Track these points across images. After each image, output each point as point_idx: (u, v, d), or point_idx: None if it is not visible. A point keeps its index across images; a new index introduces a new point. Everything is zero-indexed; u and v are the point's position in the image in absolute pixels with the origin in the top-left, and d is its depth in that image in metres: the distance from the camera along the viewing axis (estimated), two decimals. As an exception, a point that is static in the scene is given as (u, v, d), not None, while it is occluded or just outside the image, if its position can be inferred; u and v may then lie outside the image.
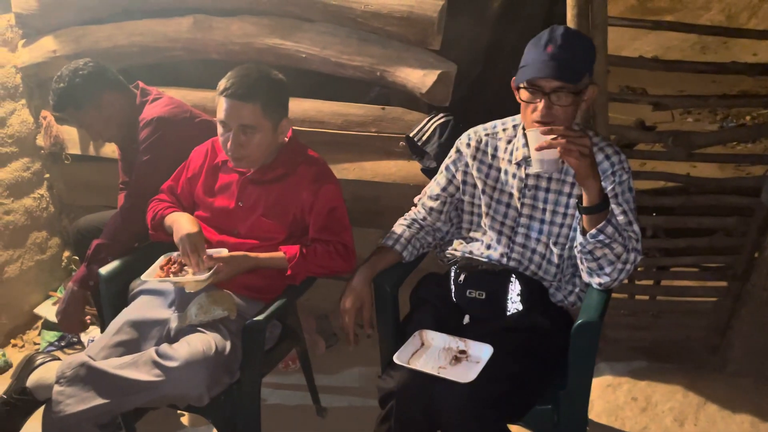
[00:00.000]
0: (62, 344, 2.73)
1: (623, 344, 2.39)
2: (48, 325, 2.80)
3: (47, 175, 2.88)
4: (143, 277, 1.73)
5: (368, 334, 1.80)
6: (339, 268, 1.83)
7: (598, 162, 1.57)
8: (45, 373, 1.60)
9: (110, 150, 2.69)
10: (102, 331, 2.37)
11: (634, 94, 2.07)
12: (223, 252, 1.74)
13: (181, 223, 1.78)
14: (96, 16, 2.52)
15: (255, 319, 1.70)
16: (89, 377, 1.53)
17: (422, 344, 1.61)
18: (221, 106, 1.74)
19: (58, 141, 2.74)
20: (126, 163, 2.27)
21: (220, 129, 1.78)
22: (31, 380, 1.60)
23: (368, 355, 2.48)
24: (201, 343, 1.59)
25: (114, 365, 1.55)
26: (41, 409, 1.63)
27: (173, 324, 1.72)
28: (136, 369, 1.54)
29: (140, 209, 1.97)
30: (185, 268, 1.74)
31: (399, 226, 1.85)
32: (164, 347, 1.59)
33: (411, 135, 2.17)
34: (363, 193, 2.31)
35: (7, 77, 2.64)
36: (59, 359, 1.68)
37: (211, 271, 1.66)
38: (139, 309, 1.78)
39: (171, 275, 1.71)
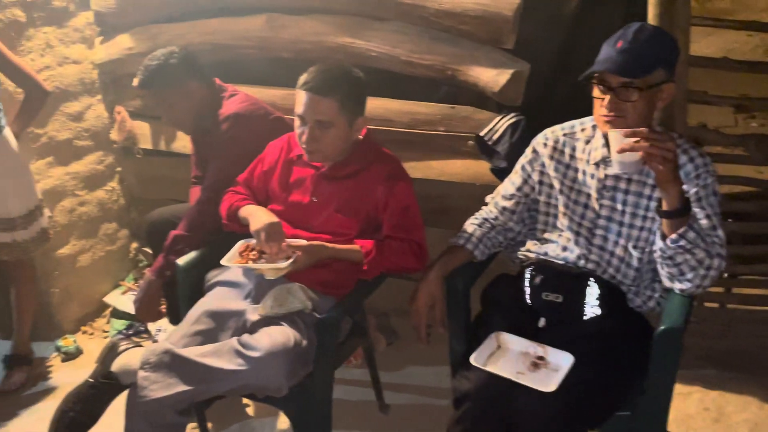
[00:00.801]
0: (130, 332, 2.81)
1: (692, 352, 2.33)
2: (116, 314, 2.90)
3: (119, 169, 2.98)
4: (223, 261, 1.77)
5: (440, 333, 1.80)
6: (411, 266, 1.84)
7: (681, 164, 1.53)
8: (129, 358, 1.65)
9: (180, 145, 2.77)
10: (170, 321, 2.46)
11: (712, 96, 2.00)
12: (301, 241, 1.77)
13: (259, 215, 1.82)
14: (171, 14, 2.59)
15: (330, 313, 1.72)
16: (173, 364, 1.58)
17: (498, 347, 1.59)
18: (300, 99, 1.77)
19: (130, 136, 2.83)
20: (199, 157, 2.33)
21: (297, 122, 1.81)
22: (116, 365, 1.66)
23: (428, 353, 2.47)
24: (281, 334, 1.62)
25: (197, 353, 1.60)
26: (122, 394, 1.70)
27: (249, 315, 1.76)
28: (219, 358, 1.58)
29: (216, 202, 2.02)
30: (263, 255, 1.76)
31: (470, 225, 1.84)
32: (246, 337, 1.62)
33: (481, 134, 2.16)
34: (429, 191, 2.31)
35: (85, 73, 2.73)
36: (141, 346, 1.74)
37: (290, 260, 1.69)
38: (216, 300, 1.83)
39: (250, 262, 1.75)
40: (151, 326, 2.75)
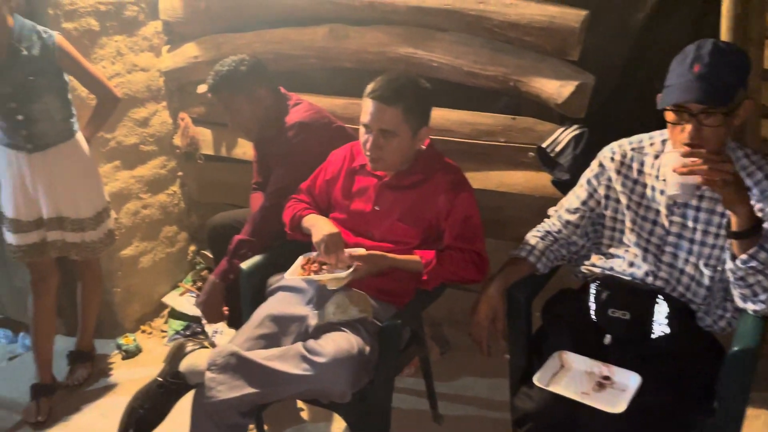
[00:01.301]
0: (187, 333, 2.89)
1: (760, 374, 2.25)
2: (174, 314, 2.98)
3: (180, 173, 3.06)
4: (287, 275, 1.80)
5: (501, 346, 1.79)
6: (472, 277, 1.84)
7: (757, 181, 1.49)
8: (196, 359, 1.69)
9: (240, 152, 2.83)
10: (228, 324, 2.51)
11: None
12: (361, 250, 1.79)
13: (320, 225, 1.85)
14: (236, 24, 2.65)
15: (393, 321, 1.73)
16: (239, 366, 1.61)
17: (562, 366, 1.57)
18: (366, 108, 1.80)
19: (193, 141, 2.91)
20: (261, 164, 2.38)
21: (362, 130, 1.84)
22: (184, 365, 1.70)
23: (481, 364, 2.48)
24: (345, 341, 1.64)
25: (263, 356, 1.63)
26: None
27: (311, 321, 1.78)
28: (285, 362, 1.60)
29: (279, 208, 2.06)
30: (323, 267, 1.80)
31: (533, 238, 1.83)
32: (311, 343, 1.64)
33: (543, 146, 2.15)
34: (487, 202, 2.29)
35: (152, 80, 2.82)
36: (207, 347, 1.78)
37: (351, 269, 1.71)
38: (279, 304, 1.86)
39: (312, 274, 1.78)
40: (208, 328, 2.81)
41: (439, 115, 2.36)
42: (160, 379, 1.70)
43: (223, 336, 2.75)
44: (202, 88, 2.81)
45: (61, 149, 2.26)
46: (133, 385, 2.58)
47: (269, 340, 1.77)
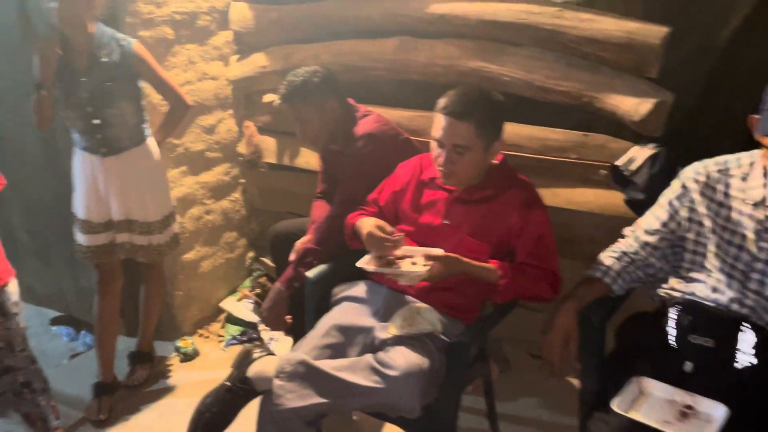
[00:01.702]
0: (244, 339, 2.92)
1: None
2: (231, 319, 3.01)
3: (243, 180, 3.11)
4: (358, 264, 1.78)
5: (573, 368, 1.74)
6: (545, 295, 1.79)
7: None
8: (264, 366, 1.70)
9: (303, 161, 2.86)
10: (287, 332, 2.51)
11: None
12: (438, 251, 1.75)
13: (364, 223, 1.87)
14: (305, 35, 2.68)
15: (463, 338, 1.70)
16: (308, 375, 1.60)
17: (641, 392, 1.51)
18: (438, 123, 1.79)
19: (257, 149, 2.95)
20: (327, 174, 2.40)
21: (433, 144, 1.82)
22: (252, 371, 1.70)
23: (542, 384, 2.41)
24: (416, 356, 1.62)
25: (332, 366, 1.62)
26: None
27: (378, 333, 1.77)
28: (355, 373, 1.59)
29: (345, 218, 2.06)
30: (399, 261, 1.76)
31: (608, 258, 1.77)
32: (382, 355, 1.63)
33: (617, 164, 2.09)
34: (555, 220, 2.22)
35: (220, 89, 2.88)
36: (273, 354, 1.78)
37: (426, 268, 1.68)
38: (345, 314, 1.85)
39: (386, 266, 1.75)
40: (264, 335, 2.83)
41: (508, 129, 2.28)
42: (228, 383, 1.71)
43: (279, 344, 2.77)
44: (268, 98, 2.85)
45: (133, 153, 2.32)
46: (190, 388, 2.62)
47: (335, 350, 1.76)
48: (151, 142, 2.39)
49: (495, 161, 1.89)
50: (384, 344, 1.73)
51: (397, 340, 1.70)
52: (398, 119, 2.48)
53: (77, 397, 2.59)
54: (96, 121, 2.22)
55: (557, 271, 1.81)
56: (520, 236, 1.80)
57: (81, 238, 2.39)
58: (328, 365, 1.62)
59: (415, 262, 1.74)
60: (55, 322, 3.27)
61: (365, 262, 1.79)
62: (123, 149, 2.30)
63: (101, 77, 2.17)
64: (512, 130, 2.31)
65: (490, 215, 1.83)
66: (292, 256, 2.17)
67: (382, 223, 1.84)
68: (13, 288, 2.09)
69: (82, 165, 2.33)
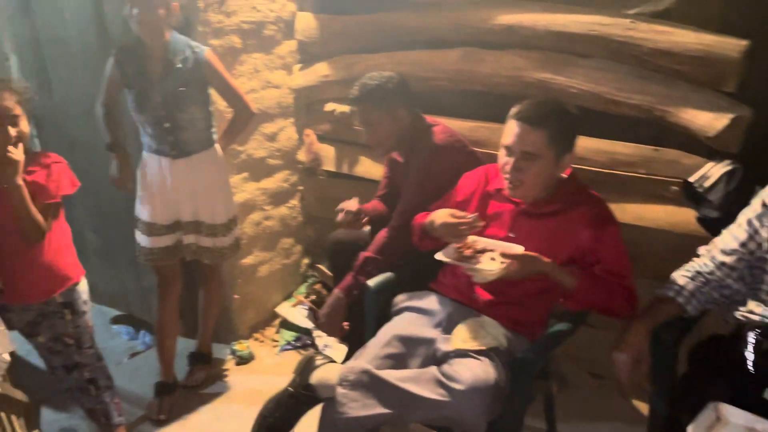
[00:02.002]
0: (298, 345, 2.94)
1: None
2: (286, 325, 3.03)
3: (301, 188, 3.14)
4: (438, 254, 1.77)
5: (644, 389, 1.68)
6: (620, 310, 1.75)
7: None
8: (326, 373, 1.70)
9: (362, 170, 2.87)
10: (342, 340, 2.52)
11: None
12: (518, 248, 1.72)
13: (437, 215, 1.86)
14: (369, 45, 2.70)
15: (528, 354, 1.67)
16: (371, 385, 1.60)
17: (718, 419, 1.44)
18: (510, 129, 1.77)
19: (316, 157, 2.98)
20: (390, 181, 2.41)
21: (502, 152, 1.80)
22: (315, 378, 1.71)
23: (601, 404, 2.36)
24: (482, 370, 1.59)
25: (396, 377, 1.61)
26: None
27: (441, 345, 1.75)
28: (419, 385, 1.58)
29: (408, 229, 2.05)
30: (479, 256, 1.74)
31: (681, 278, 1.71)
32: (447, 368, 1.61)
33: (691, 180, 2.03)
34: (623, 236, 2.20)
35: (282, 97, 2.92)
36: (335, 362, 1.79)
37: (503, 266, 1.66)
38: (407, 325, 1.84)
39: (464, 259, 1.73)
40: (319, 341, 2.84)
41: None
42: (291, 389, 1.72)
43: (334, 351, 2.77)
44: (329, 107, 2.88)
45: (201, 157, 2.37)
46: (245, 392, 2.65)
47: (396, 361, 1.75)
48: (218, 148, 2.44)
49: (564, 175, 1.86)
50: (447, 357, 1.71)
51: (462, 353, 1.68)
52: (460, 129, 2.45)
53: (136, 395, 2.65)
54: (167, 125, 2.28)
55: (633, 289, 1.76)
56: (594, 253, 1.76)
57: (144, 240, 2.45)
58: (391, 376, 1.62)
59: (493, 258, 1.71)
60: (115, 321, 3.36)
61: (444, 254, 1.77)
62: (192, 152, 2.35)
63: (174, 83, 2.23)
64: (579, 142, 2.26)
65: (559, 230, 1.80)
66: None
67: (454, 210, 1.82)
68: (83, 287, 2.16)
69: (150, 167, 2.39)
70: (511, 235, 1.85)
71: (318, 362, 1.76)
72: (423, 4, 2.49)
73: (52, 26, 2.73)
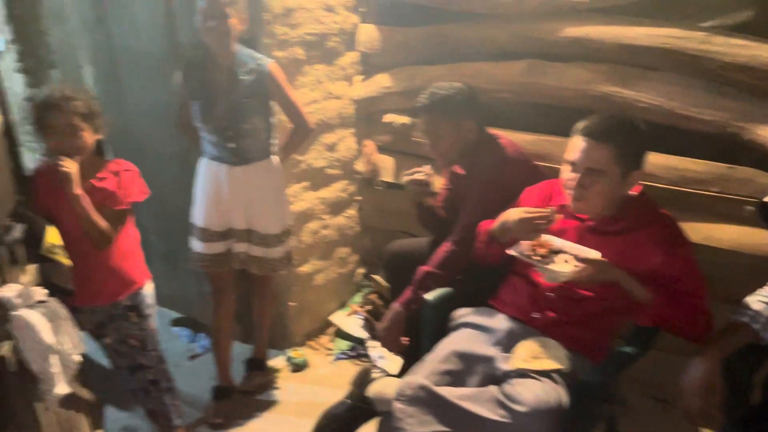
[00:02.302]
0: (352, 354, 2.94)
1: None
2: (340, 334, 3.05)
3: (359, 198, 3.16)
4: (509, 251, 1.74)
5: (715, 419, 1.60)
6: (694, 332, 1.68)
7: None
8: (384, 387, 1.69)
9: (422, 180, 2.86)
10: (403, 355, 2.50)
11: None
12: (595, 253, 1.67)
13: (510, 214, 1.82)
14: (431, 56, 2.70)
15: (593, 377, 1.62)
16: (429, 401, 1.58)
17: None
18: (575, 144, 1.73)
19: (374, 168, 2.99)
20: (450, 193, 2.39)
21: (566, 168, 1.76)
22: (372, 391, 1.70)
23: (663, 428, 2.27)
24: (544, 391, 1.56)
25: (454, 395, 1.59)
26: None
27: (500, 364, 1.72)
28: (479, 404, 1.55)
29: (469, 243, 2.03)
30: (554, 257, 1.71)
31: (756, 303, 1.63)
32: (508, 388, 1.58)
33: (766, 200, 1.93)
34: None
35: (343, 108, 2.95)
36: (392, 375, 1.78)
37: (575, 269, 1.61)
38: (465, 341, 1.82)
39: (537, 257, 1.70)
40: (373, 352, 2.84)
41: (642, 159, 2.22)
42: (348, 401, 1.72)
43: (387, 362, 2.77)
44: (388, 118, 2.89)
45: (260, 166, 2.40)
46: (300, 400, 2.68)
47: (454, 377, 1.73)
48: (276, 159, 2.47)
49: (633, 192, 1.80)
50: (507, 376, 1.68)
51: (523, 373, 1.65)
52: (521, 142, 2.42)
53: (194, 397, 2.71)
54: (230, 134, 2.32)
55: (709, 310, 1.68)
56: (665, 274, 1.69)
57: (197, 245, 2.49)
58: (450, 393, 1.60)
59: (567, 260, 1.68)
60: (176, 323, 3.45)
61: (517, 249, 1.74)
62: (252, 160, 2.38)
63: (238, 93, 2.28)
64: (648, 158, 2.20)
65: (627, 249, 1.74)
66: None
67: (528, 207, 1.79)
68: (148, 291, 2.22)
69: (207, 173, 2.43)
70: (575, 252, 1.81)
71: (375, 375, 1.76)
72: (486, 15, 2.47)
73: (126, 36, 2.84)
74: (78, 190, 1.90)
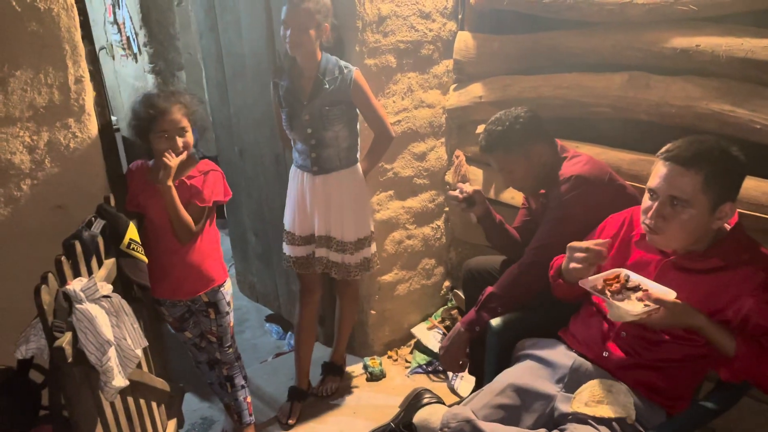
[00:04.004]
0: (429, 369, 2.88)
1: None
2: (419, 347, 2.99)
3: (447, 209, 3.08)
4: (582, 281, 1.60)
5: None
6: None
7: None
8: (431, 414, 1.62)
9: (508, 196, 2.73)
10: (470, 372, 2.41)
11: None
12: (670, 294, 1.48)
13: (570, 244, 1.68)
14: (527, 66, 2.56)
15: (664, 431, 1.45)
16: (472, 437, 1.50)
17: None
18: (657, 170, 1.55)
19: (464, 179, 2.90)
20: (527, 211, 2.27)
21: (646, 195, 1.59)
22: (418, 417, 1.64)
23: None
24: (599, 442, 1.41)
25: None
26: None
27: (560, 404, 1.59)
28: (524, 447, 1.44)
29: (541, 265, 1.90)
30: (628, 293, 1.55)
31: None
32: (561, 435, 1.46)
33: None
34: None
35: (435, 117, 2.89)
36: (444, 403, 1.70)
37: (646, 310, 1.45)
38: (525, 375, 1.70)
39: (608, 291, 1.55)
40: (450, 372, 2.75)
41: (752, 185, 1.95)
42: (393, 424, 1.67)
43: (464, 382, 2.68)
44: (482, 128, 2.78)
45: (341, 175, 2.41)
46: (372, 409, 2.66)
47: (509, 412, 1.62)
48: (359, 167, 2.47)
49: (727, 226, 1.59)
50: (564, 418, 1.55)
51: (581, 419, 1.51)
52: (618, 161, 2.24)
53: (270, 395, 2.79)
54: (312, 142, 2.35)
55: None
56: (759, 324, 1.47)
57: (286, 248, 2.56)
58: (494, 430, 1.49)
59: (641, 298, 1.51)
60: (269, 319, 3.58)
61: (589, 280, 1.60)
62: (332, 170, 2.40)
63: (322, 101, 2.30)
64: (756, 185, 1.94)
65: (715, 291, 1.53)
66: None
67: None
68: (227, 289, 2.30)
69: (294, 181, 2.49)
70: (655, 289, 1.62)
71: (425, 400, 1.69)
72: (586, 24, 2.30)
73: (232, 43, 2.97)
74: (170, 182, 2.02)
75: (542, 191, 2.09)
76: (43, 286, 1.42)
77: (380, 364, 2.91)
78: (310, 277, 2.58)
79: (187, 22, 4.91)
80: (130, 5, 4.67)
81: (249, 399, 2.46)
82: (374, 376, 2.86)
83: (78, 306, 1.48)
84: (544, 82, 2.48)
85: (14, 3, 1.74)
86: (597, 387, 1.56)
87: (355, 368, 2.93)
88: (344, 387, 2.81)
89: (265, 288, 3.47)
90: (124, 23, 4.79)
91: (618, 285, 1.55)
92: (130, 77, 4.45)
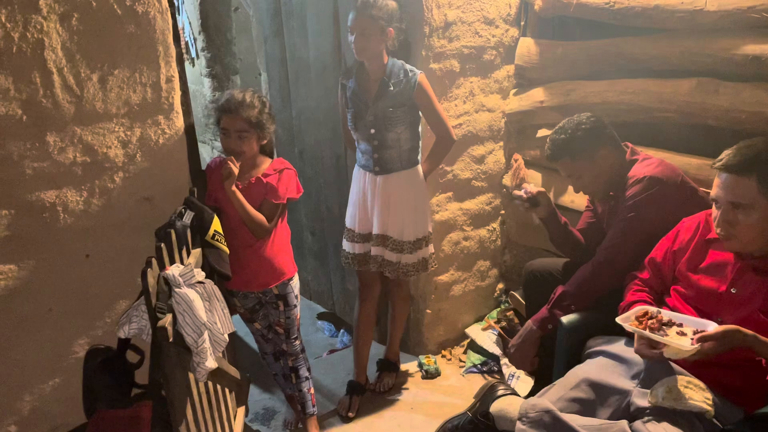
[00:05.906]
0: (483, 369, 2.92)
1: None
2: (473, 347, 3.03)
3: (503, 212, 3.12)
4: (618, 319, 1.67)
5: None
6: None
7: None
8: (507, 405, 1.67)
9: (568, 200, 2.76)
10: (531, 373, 2.45)
11: None
12: (714, 329, 1.52)
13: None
14: (591, 72, 2.60)
15: (741, 429, 1.47)
16: (552, 426, 1.54)
17: None
18: (715, 180, 1.63)
19: (522, 183, 2.94)
20: (592, 214, 2.30)
21: (714, 204, 1.63)
22: (495, 408, 1.69)
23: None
24: (679, 435, 1.45)
25: (580, 424, 1.53)
26: None
27: (636, 399, 1.62)
28: (605, 437, 1.48)
29: (613, 265, 1.94)
30: (666, 329, 1.61)
31: None
32: (639, 426, 1.49)
33: None
34: None
35: (495, 121, 2.94)
36: (518, 395, 1.75)
37: (698, 345, 1.49)
38: (600, 371, 1.73)
39: (648, 330, 1.60)
40: (506, 370, 2.79)
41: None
42: (470, 414, 1.72)
43: (521, 382, 2.71)
44: (542, 133, 2.83)
45: (401, 176, 2.47)
46: (428, 406, 2.71)
47: (584, 407, 1.66)
48: (420, 169, 2.53)
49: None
50: (641, 413, 1.58)
51: (659, 412, 1.54)
52: (684, 166, 2.26)
53: (329, 389, 2.86)
54: (375, 142, 2.42)
55: None
56: None
57: (345, 245, 2.63)
58: (575, 421, 1.54)
59: (684, 332, 1.57)
60: (320, 317, 3.66)
61: (625, 319, 1.66)
62: (393, 170, 2.46)
63: (386, 103, 2.37)
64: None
65: (794, 293, 1.56)
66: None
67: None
68: (295, 283, 2.38)
69: (356, 180, 2.57)
70: (732, 291, 1.65)
71: (500, 392, 1.74)
72: (652, 29, 2.33)
73: (297, 47, 3.07)
74: (233, 188, 2.09)
75: (611, 193, 2.13)
76: (148, 270, 1.50)
77: (435, 362, 2.96)
78: (368, 273, 2.65)
79: (241, 28, 5.06)
80: (190, 11, 4.84)
81: (312, 390, 2.53)
82: (429, 374, 2.91)
83: (177, 290, 1.56)
84: (608, 88, 2.51)
85: (115, 6, 1.84)
86: (675, 383, 1.58)
87: (410, 366, 2.99)
88: (400, 384, 2.87)
89: (319, 286, 3.55)
90: (183, 28, 4.96)
91: (656, 322, 1.61)
92: (188, 81, 4.59)
